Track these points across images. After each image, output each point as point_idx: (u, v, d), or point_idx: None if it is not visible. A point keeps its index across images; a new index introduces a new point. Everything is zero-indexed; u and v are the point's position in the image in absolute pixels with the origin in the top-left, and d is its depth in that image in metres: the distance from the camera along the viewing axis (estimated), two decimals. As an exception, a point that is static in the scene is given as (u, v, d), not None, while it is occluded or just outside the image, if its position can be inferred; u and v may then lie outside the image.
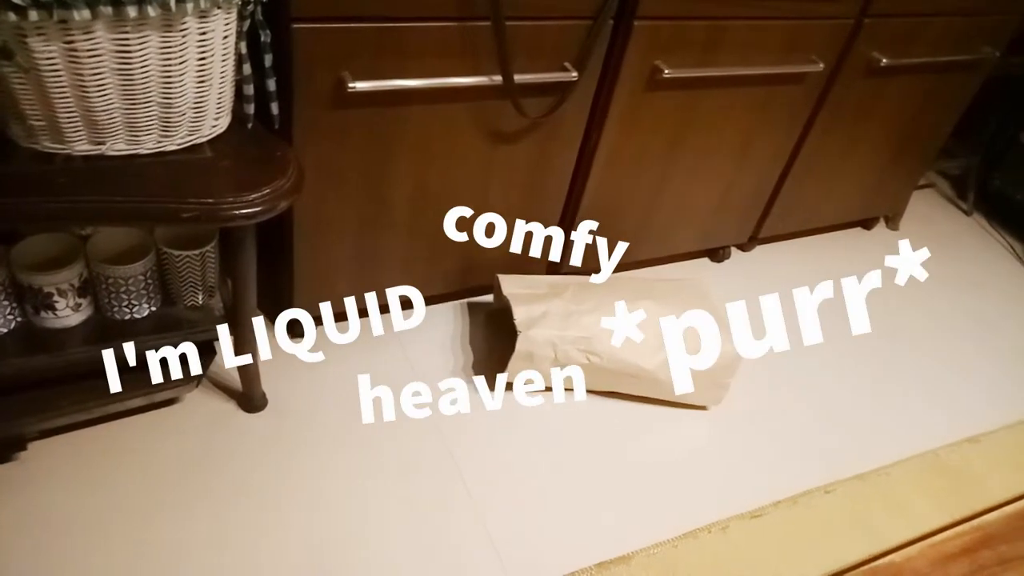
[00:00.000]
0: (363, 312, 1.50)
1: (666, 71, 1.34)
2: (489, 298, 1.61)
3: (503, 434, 1.35)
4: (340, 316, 1.48)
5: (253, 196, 0.95)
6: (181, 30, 0.85)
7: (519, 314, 1.32)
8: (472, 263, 1.49)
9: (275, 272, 1.38)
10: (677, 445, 1.40)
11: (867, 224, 2.13)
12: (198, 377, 1.24)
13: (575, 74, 1.26)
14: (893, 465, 1.47)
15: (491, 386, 1.41)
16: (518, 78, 1.21)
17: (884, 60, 1.58)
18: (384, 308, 1.52)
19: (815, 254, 1.99)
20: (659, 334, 1.37)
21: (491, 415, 1.37)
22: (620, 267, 1.76)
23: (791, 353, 1.66)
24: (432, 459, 1.28)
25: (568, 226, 1.55)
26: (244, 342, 1.19)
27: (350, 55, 1.08)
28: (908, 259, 2.04)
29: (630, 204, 1.57)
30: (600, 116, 1.39)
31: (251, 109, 1.03)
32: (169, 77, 0.89)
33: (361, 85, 1.09)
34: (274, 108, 1.03)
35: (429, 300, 1.57)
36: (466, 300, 1.60)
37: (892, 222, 2.16)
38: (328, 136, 1.15)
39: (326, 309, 1.40)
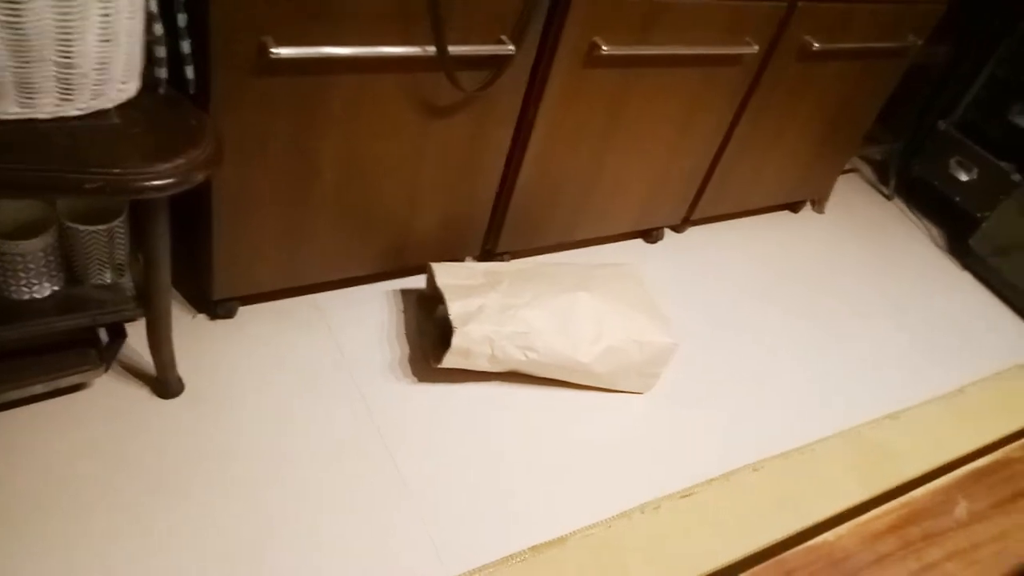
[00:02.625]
0: (289, 292, 1.44)
1: (604, 48, 1.31)
2: (421, 280, 1.56)
3: (437, 422, 1.31)
4: (264, 296, 1.41)
5: (165, 166, 0.88)
6: (80, -18, 0.77)
7: (455, 309, 1.28)
8: (404, 242, 1.44)
9: (193, 249, 1.30)
10: (611, 429, 1.40)
11: (794, 207, 2.17)
12: (107, 361, 1.16)
13: (512, 47, 1.22)
14: (817, 442, 1.51)
15: (422, 377, 1.37)
16: (453, 50, 1.17)
17: (816, 44, 1.60)
18: (311, 288, 1.46)
19: (745, 236, 2.01)
20: (595, 326, 1.35)
21: (424, 403, 1.34)
22: (555, 248, 1.74)
23: (721, 335, 1.68)
24: (362, 447, 1.24)
25: (504, 204, 1.51)
26: (158, 325, 1.11)
27: (273, 18, 1.02)
28: (831, 242, 2.09)
29: (566, 183, 1.55)
30: (537, 92, 1.35)
31: (163, 73, 0.95)
32: (68, 33, 0.80)
33: (285, 51, 1.03)
34: (189, 72, 0.96)
35: (358, 280, 1.51)
36: (397, 282, 1.55)
37: (818, 205, 2.21)
38: (249, 105, 1.08)
39: (249, 288, 1.33)
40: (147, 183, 0.86)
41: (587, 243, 1.80)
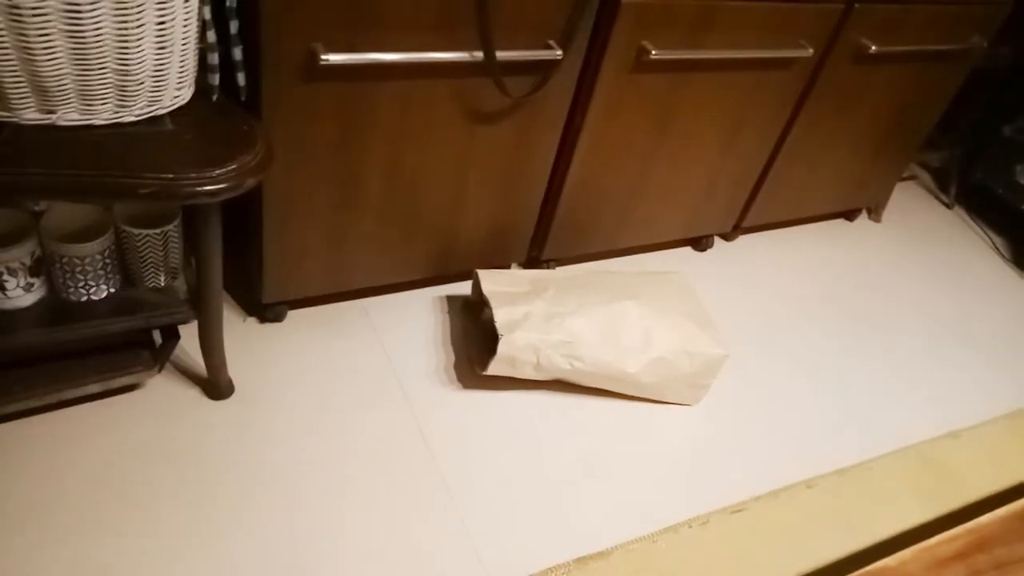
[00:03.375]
0: (336, 297, 1.45)
1: (653, 52, 1.29)
2: (466, 286, 1.56)
3: (481, 428, 1.30)
4: (313, 300, 1.42)
5: (217, 172, 0.89)
6: (138, -9, 0.79)
7: (500, 316, 1.27)
8: (450, 248, 1.44)
9: (244, 254, 1.32)
10: (658, 441, 1.37)
11: (849, 215, 2.11)
12: (160, 363, 1.18)
13: (559, 52, 1.21)
14: (875, 460, 1.45)
15: (467, 383, 1.36)
16: (500, 55, 1.16)
17: (873, 47, 1.55)
18: (359, 293, 1.47)
19: (798, 245, 1.96)
20: (642, 336, 1.33)
21: (469, 409, 1.33)
22: (601, 255, 1.72)
23: (772, 347, 1.63)
24: (408, 452, 1.24)
25: (550, 211, 1.50)
26: (210, 327, 1.13)
27: (322, 25, 1.03)
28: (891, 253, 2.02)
29: (613, 190, 1.53)
30: (585, 97, 1.34)
31: (216, 80, 0.97)
32: (126, 41, 0.82)
33: (334, 58, 1.04)
34: (240, 79, 0.97)
35: (405, 286, 1.52)
36: (443, 288, 1.55)
37: (875, 214, 2.14)
38: (299, 110, 1.10)
39: (298, 293, 1.35)
40: (199, 188, 0.88)
41: (634, 251, 1.77)
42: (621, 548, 1.19)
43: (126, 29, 0.82)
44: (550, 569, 1.14)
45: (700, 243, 1.84)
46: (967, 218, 2.26)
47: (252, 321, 1.38)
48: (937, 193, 2.35)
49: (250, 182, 0.92)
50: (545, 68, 1.24)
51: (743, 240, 1.92)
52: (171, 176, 0.87)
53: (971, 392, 1.66)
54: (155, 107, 0.92)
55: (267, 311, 1.36)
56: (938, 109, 1.89)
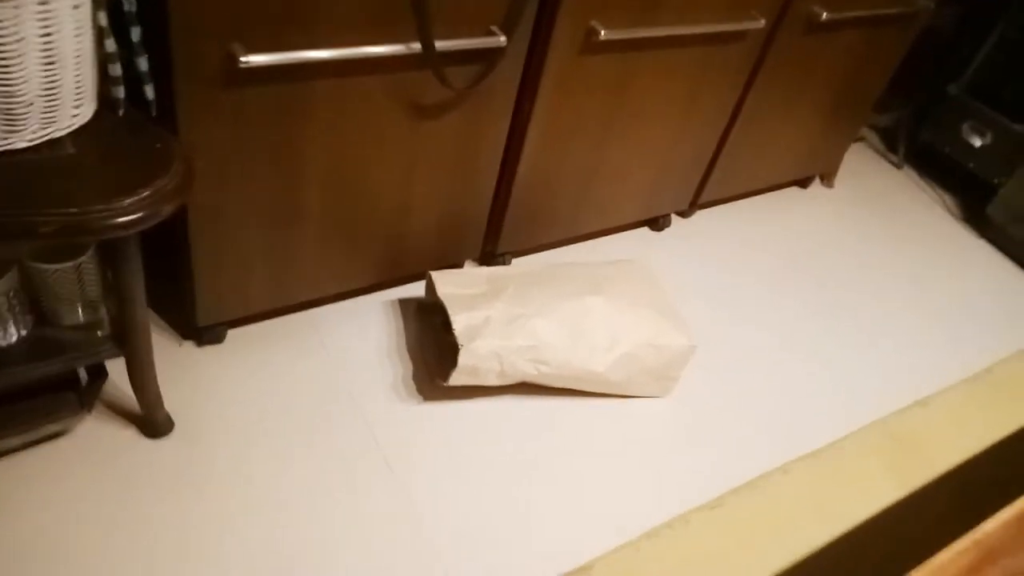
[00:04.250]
0: (280, 310, 1.35)
1: (603, 33, 1.21)
2: (419, 287, 1.47)
3: (445, 443, 1.23)
4: (254, 317, 1.32)
5: (129, 201, 0.79)
6: (15, 3, 0.67)
7: (459, 323, 1.19)
8: (400, 250, 1.35)
9: (173, 274, 1.21)
10: (630, 438, 1.32)
11: (803, 183, 2.08)
12: (88, 404, 1.07)
13: (503, 39, 1.12)
14: (846, 438, 1.43)
15: (427, 395, 1.28)
16: (440, 45, 1.07)
17: (824, 14, 1.50)
18: (304, 304, 1.37)
19: (754, 217, 1.92)
20: (608, 333, 1.27)
21: (431, 423, 1.25)
22: (558, 243, 1.65)
23: (734, 330, 1.59)
24: (369, 476, 1.16)
25: (502, 203, 1.42)
26: (138, 365, 1.03)
27: (240, 23, 0.92)
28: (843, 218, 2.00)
29: (567, 177, 1.45)
30: (532, 83, 1.26)
31: (121, 92, 0.86)
32: (4, 58, 0.71)
33: (256, 59, 0.93)
34: (148, 92, 0.86)
35: (354, 292, 1.42)
36: (395, 291, 1.46)
37: (827, 179, 2.12)
38: (221, 120, 0.99)
39: (236, 312, 1.24)
40: (110, 221, 0.77)
41: (591, 236, 1.71)
42: (602, 560, 1.14)
43: (2, 44, 0.70)
44: (530, 591, 1.08)
45: (657, 223, 1.78)
46: (917, 178, 2.26)
47: (189, 345, 1.27)
48: (887, 154, 2.34)
49: (167, 209, 0.82)
50: (489, 56, 1.15)
51: (699, 216, 1.88)
52: (75, 210, 0.76)
53: (934, 358, 1.65)
54: (50, 129, 0.81)
55: (204, 334, 1.25)
56: (887, 72, 1.86)
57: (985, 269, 1.96)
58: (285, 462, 1.14)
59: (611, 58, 1.30)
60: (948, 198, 2.20)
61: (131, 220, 0.79)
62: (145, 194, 0.80)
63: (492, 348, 1.18)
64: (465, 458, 1.21)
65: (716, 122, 1.60)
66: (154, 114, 0.88)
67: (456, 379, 1.20)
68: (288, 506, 1.09)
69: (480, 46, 1.11)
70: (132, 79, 0.85)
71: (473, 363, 1.18)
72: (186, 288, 1.18)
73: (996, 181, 2.04)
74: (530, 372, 1.23)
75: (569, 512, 1.18)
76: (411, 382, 1.30)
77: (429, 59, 1.07)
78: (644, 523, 1.20)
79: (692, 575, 1.14)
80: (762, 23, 1.41)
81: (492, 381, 1.23)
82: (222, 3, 0.89)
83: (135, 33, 0.80)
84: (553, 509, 1.18)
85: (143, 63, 0.83)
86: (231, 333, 1.30)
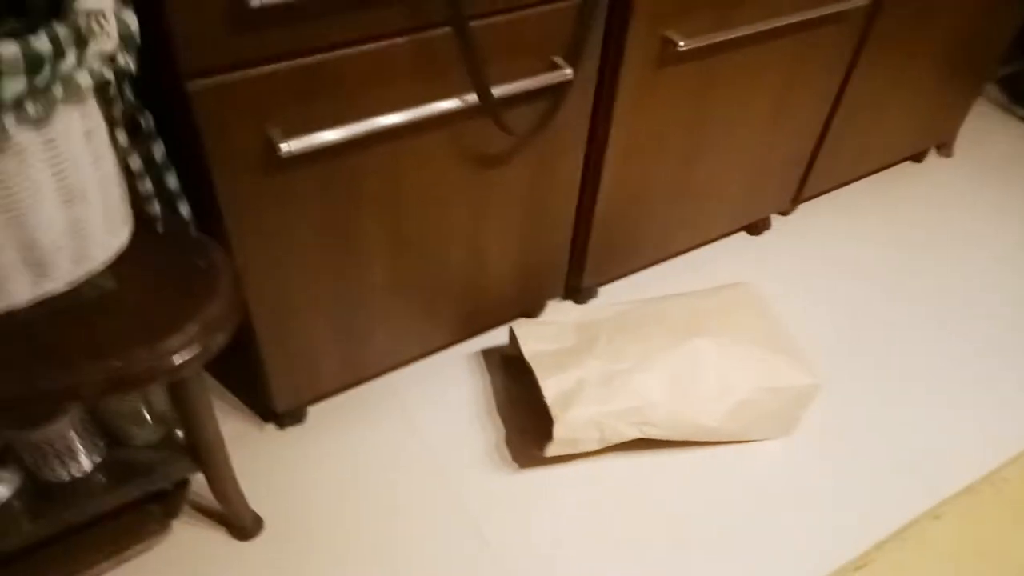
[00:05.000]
0: (358, 382, 1.27)
1: (681, 43, 1.06)
2: (502, 335, 1.36)
3: (549, 517, 1.12)
4: (334, 392, 1.25)
5: (176, 341, 0.71)
6: (16, 153, 0.59)
7: (550, 390, 1.07)
8: (477, 306, 1.25)
9: (244, 362, 1.15)
10: (747, 492, 1.18)
11: (917, 157, 1.85)
12: (172, 515, 1.02)
13: (569, 71, 0.98)
14: (1006, 466, 1.24)
15: (523, 462, 1.18)
16: (498, 91, 0.94)
17: (937, -27, 1.29)
18: (383, 370, 1.29)
19: (862, 204, 1.72)
20: (718, 380, 1.13)
21: (530, 495, 1.15)
22: (648, 264, 1.51)
23: (856, 346, 1.41)
24: (468, 558, 1.07)
25: (583, 237, 1.29)
26: (217, 478, 0.96)
27: (274, 107, 0.82)
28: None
29: (652, 197, 1.31)
30: (606, 109, 1.12)
31: (156, 209, 0.78)
32: (12, 211, 0.63)
33: (296, 145, 0.83)
34: (183, 210, 0.77)
35: (432, 351, 1.33)
36: (476, 341, 1.35)
37: (944, 149, 1.88)
38: (269, 211, 0.90)
39: (313, 393, 1.17)
40: (156, 369, 0.69)
41: (683, 251, 1.56)
42: (736, 644, 1.01)
43: (10, 196, 0.62)
44: None
45: (755, 227, 1.61)
46: (1049, 131, 1.98)
47: (270, 428, 1.21)
48: (1010, 107, 2.06)
49: (219, 340, 0.74)
50: (555, 91, 1.02)
51: (802, 211, 1.69)
52: (118, 364, 0.68)
53: (1100, 355, 1.43)
54: (85, 266, 0.73)
55: (283, 418, 1.19)
56: (1013, 23, 1.61)
57: None
58: (381, 554, 1.06)
59: (692, 67, 1.14)
60: (1090, 151, 1.92)
61: (180, 364, 0.71)
62: (193, 329, 0.72)
63: (590, 416, 1.07)
64: (571, 535, 1.10)
65: (815, 113, 1.41)
66: (194, 234, 0.79)
67: (552, 451, 1.09)
68: (388, 609, 1.01)
69: (544, 84, 0.98)
70: (165, 200, 0.77)
71: (570, 435, 1.07)
72: (258, 377, 1.11)
73: None
74: (634, 434, 1.11)
75: (693, 589, 1.06)
76: (505, 448, 1.20)
77: (487, 109, 0.95)
78: (779, 592, 1.07)
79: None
80: (864, -1, 1.22)
81: (592, 447, 1.12)
82: (251, 89, 0.79)
83: (158, 152, 0.71)
84: (675, 586, 1.06)
85: (172, 181, 0.74)
86: (312, 410, 1.23)
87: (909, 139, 1.71)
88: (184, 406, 0.83)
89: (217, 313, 0.74)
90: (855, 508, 1.17)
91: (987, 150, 1.91)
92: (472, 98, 0.93)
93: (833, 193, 1.74)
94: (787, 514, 1.15)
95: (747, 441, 1.23)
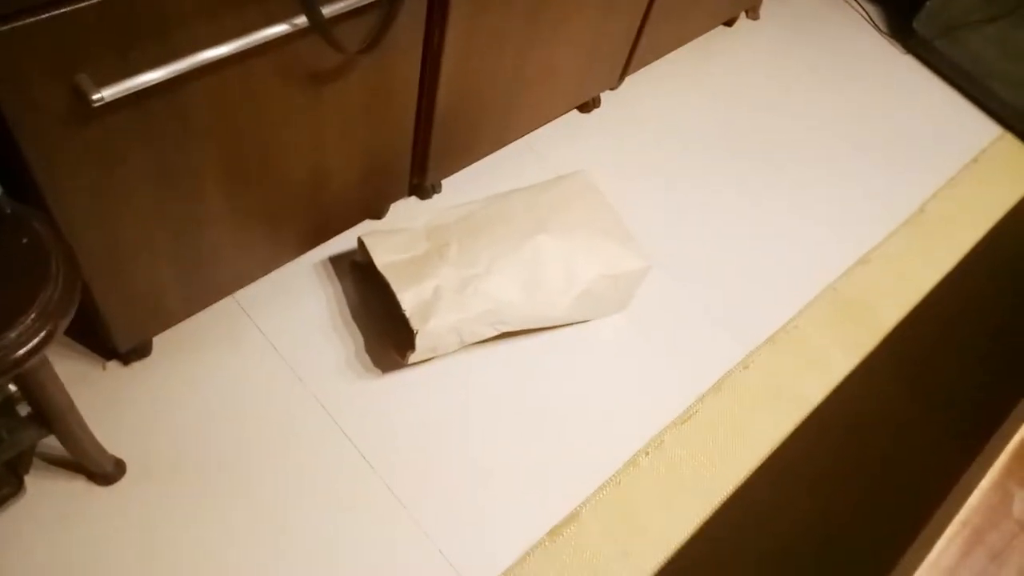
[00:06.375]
0: (204, 307, 1.22)
1: (514, -59, 1.02)
2: (349, 239, 1.35)
3: (412, 416, 1.19)
4: (177, 322, 1.20)
5: (13, 335, 0.65)
6: None
7: (408, 302, 1.10)
8: (322, 215, 1.22)
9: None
10: (591, 367, 1.30)
11: (729, 22, 1.94)
12: (23, 472, 0.98)
13: (403, -19, 0.93)
14: (798, 315, 1.46)
15: (384, 366, 1.22)
16: (329, 9, 0.88)
17: None
18: (228, 294, 1.25)
19: (681, 71, 1.80)
20: (563, 272, 1.20)
21: (393, 397, 1.20)
22: (489, 152, 1.52)
23: (676, 215, 1.55)
24: (340, 467, 1.13)
25: (424, 137, 1.28)
26: (69, 439, 0.93)
27: (80, 53, 0.72)
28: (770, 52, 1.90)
29: (492, 90, 1.30)
30: (439, 14, 1.07)
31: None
32: None
33: (109, 92, 0.74)
34: (-8, 189, 0.68)
35: (279, 266, 1.30)
36: (324, 249, 1.33)
37: (752, 12, 1.98)
38: (88, 164, 0.81)
39: (158, 327, 1.12)
40: (3, 364, 0.64)
41: (520, 136, 1.58)
42: (588, 503, 1.17)
43: None
44: (527, 554, 1.11)
45: (586, 106, 1.65)
46: (840, -10, 2.13)
47: (114, 365, 1.15)
48: (808, -34, 2.18)
49: (64, 322, 0.69)
50: (389, 3, 0.96)
51: (627, 85, 1.74)
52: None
53: (870, 204, 1.66)
54: None
55: (128, 355, 1.14)
56: None
57: (912, 88, 1.93)
58: (250, 476, 1.10)
59: (525, -38, 1.11)
60: (874, 11, 2.10)
61: (22, 355, 0.66)
62: (30, 318, 0.66)
63: (449, 323, 1.12)
64: (435, 430, 1.19)
65: (641, -8, 1.43)
66: (9, 210, 0.71)
67: (415, 358, 1.14)
68: (266, 521, 1.06)
69: (376, -3, 0.92)
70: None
71: (431, 343, 1.12)
72: (95, 320, 1.05)
73: (923, -9, 1.94)
74: (491, 333, 1.18)
75: (548, 459, 1.19)
76: (365, 355, 1.24)
77: (318, 29, 0.89)
78: (624, 451, 1.23)
79: (673, 495, 1.19)
80: None
81: (452, 349, 1.18)
82: (48, 33, 0.69)
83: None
84: (532, 461, 1.19)
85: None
86: (157, 340, 1.18)
87: (724, 6, 1.78)
88: (27, 383, 0.78)
89: (54, 295, 0.68)
90: (680, 368, 1.33)
91: (788, 8, 2.03)
92: (301, 20, 0.86)
93: (654, 64, 1.80)
94: (623, 381, 1.30)
95: (587, 321, 1.34)
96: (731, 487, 1.23)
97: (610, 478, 1.20)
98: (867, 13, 2.08)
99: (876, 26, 2.06)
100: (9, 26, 0.66)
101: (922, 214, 1.68)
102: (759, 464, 1.27)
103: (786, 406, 1.34)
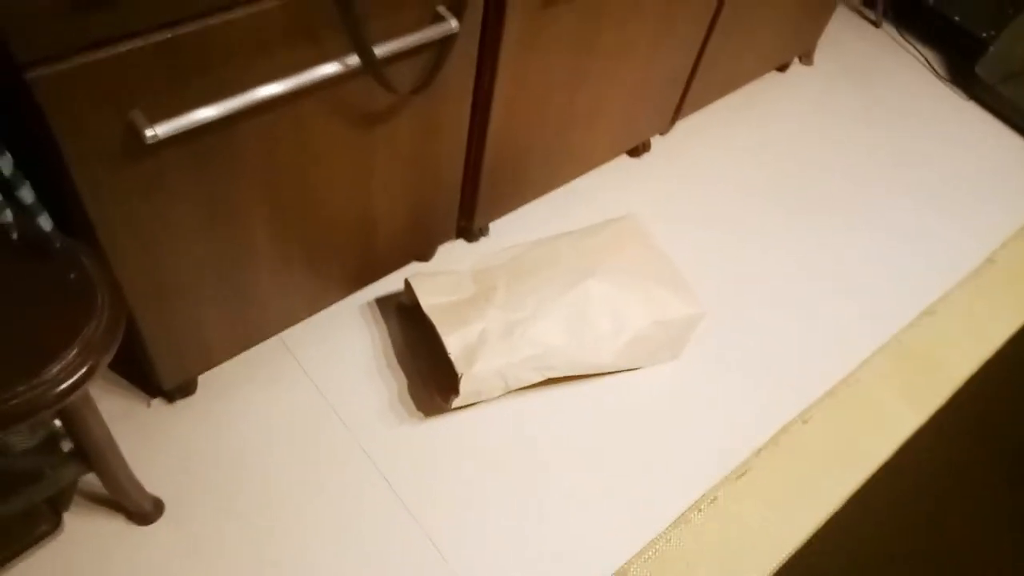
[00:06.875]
0: (249, 347, 1.22)
1: (566, -16, 1.02)
2: (396, 281, 1.34)
3: (454, 464, 1.16)
4: (223, 361, 1.20)
5: (56, 369, 0.65)
6: None
7: (453, 345, 1.08)
8: (369, 257, 1.21)
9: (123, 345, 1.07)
10: (640, 416, 1.25)
11: (782, 67, 1.91)
12: (61, 511, 0.97)
13: (455, 23, 0.93)
14: (860, 368, 1.39)
15: (427, 410, 1.19)
16: (381, 50, 0.88)
17: None
18: (273, 333, 1.24)
19: (735, 117, 1.77)
20: (611, 318, 1.17)
21: (436, 444, 1.17)
22: (537, 195, 1.50)
23: (731, 265, 1.50)
24: (379, 514, 1.09)
25: (472, 180, 1.27)
26: (109, 476, 0.92)
27: (133, 90, 0.73)
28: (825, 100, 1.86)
29: (539, 134, 1.29)
30: (491, 56, 1.07)
31: (8, 217, 0.69)
32: None
33: (163, 129, 0.75)
34: (44, 224, 0.69)
35: (324, 307, 1.29)
36: (370, 290, 1.32)
37: (806, 57, 1.95)
38: (139, 200, 0.82)
39: (203, 366, 1.12)
40: (41, 400, 0.64)
41: (568, 180, 1.56)
42: (635, 561, 1.11)
43: None
44: (572, 614, 1.06)
45: (636, 150, 1.63)
46: (897, 36, 2.09)
47: (159, 403, 1.15)
48: (863, 11, 2.15)
49: (105, 359, 0.68)
50: (440, 44, 0.96)
51: (679, 129, 1.72)
52: (-9, 406, 0.62)
53: (933, 256, 1.59)
54: (-68, 294, 0.65)
55: (173, 393, 1.13)
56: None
57: (976, 134, 1.86)
58: (288, 519, 1.07)
59: (575, 2, 1.10)
60: (930, 55, 2.05)
61: (64, 390, 0.65)
62: (73, 353, 0.66)
63: (494, 368, 1.09)
64: (478, 479, 1.15)
65: (694, 33, 1.42)
66: (59, 245, 0.71)
67: (458, 403, 1.11)
68: (305, 566, 1.03)
69: (430, 38, 0.92)
70: (25, 215, 0.68)
71: (475, 388, 1.09)
72: (142, 357, 1.05)
73: (985, 35, 1.89)
74: (536, 379, 1.14)
75: (598, 512, 1.14)
76: (408, 399, 1.21)
77: (370, 69, 0.89)
78: (674, 507, 1.17)
79: (727, 555, 1.13)
80: (742, -75, 1.20)
81: (497, 395, 1.15)
82: (106, 72, 0.70)
83: (6, 165, 0.62)
84: (578, 515, 1.13)
85: (27, 194, 0.65)
86: (203, 379, 1.18)
87: (777, 51, 1.75)
88: (69, 418, 0.77)
89: (98, 331, 0.68)
90: (735, 420, 1.27)
91: (843, 53, 1.99)
92: (353, 60, 0.87)
93: (706, 109, 1.78)
94: (675, 432, 1.24)
95: (638, 369, 1.30)
96: (790, 549, 1.16)
97: (660, 535, 1.14)
98: (926, 59, 2.03)
99: (936, 71, 2.01)
100: (68, 64, 0.67)
101: (991, 264, 1.60)
102: (819, 525, 1.19)
103: (848, 463, 1.26)
